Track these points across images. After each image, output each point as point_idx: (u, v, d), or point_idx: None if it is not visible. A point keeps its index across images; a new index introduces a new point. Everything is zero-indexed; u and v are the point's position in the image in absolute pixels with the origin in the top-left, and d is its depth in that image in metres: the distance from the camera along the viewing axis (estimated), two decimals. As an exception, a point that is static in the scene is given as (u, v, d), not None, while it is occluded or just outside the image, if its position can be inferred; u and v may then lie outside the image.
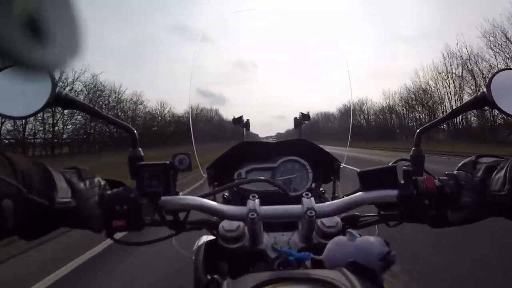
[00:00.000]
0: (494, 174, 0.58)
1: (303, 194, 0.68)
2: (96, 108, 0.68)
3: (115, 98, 32.54)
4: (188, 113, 1.19)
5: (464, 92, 28.74)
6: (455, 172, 0.65)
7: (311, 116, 1.21)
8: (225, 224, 0.72)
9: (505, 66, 17.30)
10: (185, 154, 0.69)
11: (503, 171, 0.56)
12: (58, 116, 25.11)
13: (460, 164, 0.66)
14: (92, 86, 28.61)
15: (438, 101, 32.36)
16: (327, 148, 1.13)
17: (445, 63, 30.85)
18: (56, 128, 25.83)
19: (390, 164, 0.71)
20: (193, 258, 0.83)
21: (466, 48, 27.40)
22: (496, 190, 0.56)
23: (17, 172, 0.47)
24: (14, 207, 0.45)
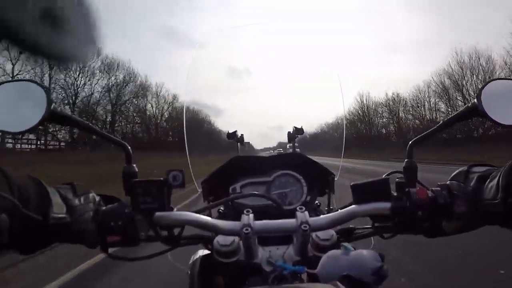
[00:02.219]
0: (487, 183, 0.59)
1: (297, 208, 0.68)
2: (90, 124, 0.69)
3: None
4: (183, 125, 1.20)
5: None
6: (448, 182, 0.66)
7: (307, 127, 1.23)
8: (220, 239, 0.72)
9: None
10: (179, 171, 0.69)
11: (496, 179, 0.56)
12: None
13: (453, 174, 0.66)
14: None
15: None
16: (323, 160, 1.14)
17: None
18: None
19: (383, 176, 0.72)
20: (189, 272, 0.83)
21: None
22: (489, 199, 0.56)
23: (12, 187, 0.48)
24: (10, 222, 0.46)
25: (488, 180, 0.58)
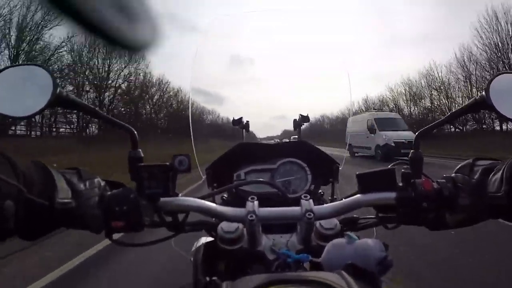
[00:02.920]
0: (491, 175, 0.58)
1: (302, 196, 0.68)
2: (96, 108, 0.68)
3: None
4: (189, 114, 1.20)
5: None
6: (452, 175, 0.66)
7: (312, 117, 1.22)
8: (224, 226, 0.72)
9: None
10: (185, 156, 0.69)
11: (500, 172, 0.56)
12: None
13: (457, 167, 0.66)
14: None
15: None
16: (328, 150, 1.13)
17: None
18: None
19: (389, 166, 0.71)
20: (192, 259, 0.83)
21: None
22: (493, 192, 0.56)
23: (17, 173, 0.48)
24: (15, 207, 0.46)
25: (493, 173, 0.58)
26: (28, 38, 21.07)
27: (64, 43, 22.93)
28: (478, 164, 0.63)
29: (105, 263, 3.02)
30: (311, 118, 1.22)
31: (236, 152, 1.06)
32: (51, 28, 21.31)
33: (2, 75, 0.59)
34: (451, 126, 25.75)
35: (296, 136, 1.27)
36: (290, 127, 1.27)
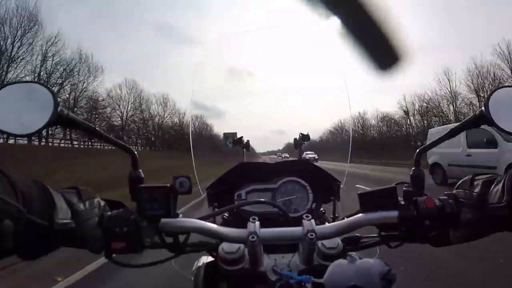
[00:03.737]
0: (492, 187, 0.58)
1: (304, 216, 0.68)
2: (97, 128, 0.69)
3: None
4: (189, 131, 1.20)
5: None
6: (454, 191, 0.65)
7: (312, 132, 1.22)
8: (225, 246, 0.71)
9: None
10: (186, 177, 0.68)
11: (501, 183, 0.56)
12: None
13: (458, 184, 0.66)
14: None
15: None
16: (330, 165, 1.13)
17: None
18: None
19: (391, 185, 0.71)
20: (192, 279, 0.82)
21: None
22: (495, 203, 0.56)
23: (17, 192, 0.48)
24: (14, 227, 0.45)
25: (494, 185, 0.58)
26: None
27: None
28: (478, 178, 0.63)
29: (102, 282, 2.97)
30: (312, 132, 1.23)
31: (236, 171, 1.06)
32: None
33: (2, 91, 0.58)
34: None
35: (287, 154, 1.28)
36: (291, 140, 1.27)
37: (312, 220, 0.66)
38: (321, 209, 1.03)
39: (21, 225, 0.47)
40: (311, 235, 0.63)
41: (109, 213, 0.62)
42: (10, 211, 0.45)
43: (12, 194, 0.47)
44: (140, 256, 0.66)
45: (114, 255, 0.63)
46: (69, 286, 2.92)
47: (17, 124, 0.58)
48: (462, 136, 10.23)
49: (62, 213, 0.54)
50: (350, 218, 0.68)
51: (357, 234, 0.76)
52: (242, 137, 1.24)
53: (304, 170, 1.06)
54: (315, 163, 1.12)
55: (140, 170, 0.71)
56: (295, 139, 1.22)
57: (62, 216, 0.53)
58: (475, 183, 0.62)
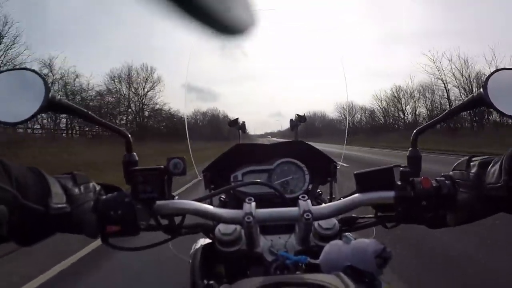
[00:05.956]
0: (489, 168, 0.58)
1: (300, 197, 0.68)
2: (89, 112, 0.68)
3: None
4: (184, 114, 1.20)
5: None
6: (450, 172, 0.65)
7: (309, 114, 1.22)
8: (221, 228, 0.71)
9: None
10: (180, 158, 0.68)
11: (498, 164, 0.56)
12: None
13: (454, 165, 0.66)
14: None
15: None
16: (326, 147, 1.13)
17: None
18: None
19: (387, 166, 0.71)
20: (190, 261, 0.83)
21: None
22: (492, 183, 0.56)
23: (11, 178, 0.47)
24: (9, 213, 0.45)
25: (491, 165, 0.58)
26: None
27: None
28: (475, 160, 0.63)
29: (97, 265, 2.99)
30: (308, 114, 1.22)
31: (233, 153, 1.06)
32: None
33: None
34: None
35: (275, 138, 1.28)
36: (287, 123, 1.27)
37: (309, 201, 0.66)
38: (318, 190, 1.03)
39: (16, 210, 0.47)
40: (307, 215, 0.63)
41: (104, 197, 0.62)
42: (5, 196, 0.45)
43: (6, 180, 0.46)
44: (137, 239, 0.66)
45: (110, 238, 0.63)
46: (64, 270, 2.95)
47: (9, 112, 0.57)
48: None
49: (57, 198, 0.54)
50: (346, 199, 0.69)
51: (353, 215, 0.76)
52: (237, 118, 1.23)
53: (301, 151, 1.06)
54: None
55: (134, 153, 0.70)
56: (291, 120, 1.21)
57: (57, 201, 0.53)
58: (471, 164, 0.62)
